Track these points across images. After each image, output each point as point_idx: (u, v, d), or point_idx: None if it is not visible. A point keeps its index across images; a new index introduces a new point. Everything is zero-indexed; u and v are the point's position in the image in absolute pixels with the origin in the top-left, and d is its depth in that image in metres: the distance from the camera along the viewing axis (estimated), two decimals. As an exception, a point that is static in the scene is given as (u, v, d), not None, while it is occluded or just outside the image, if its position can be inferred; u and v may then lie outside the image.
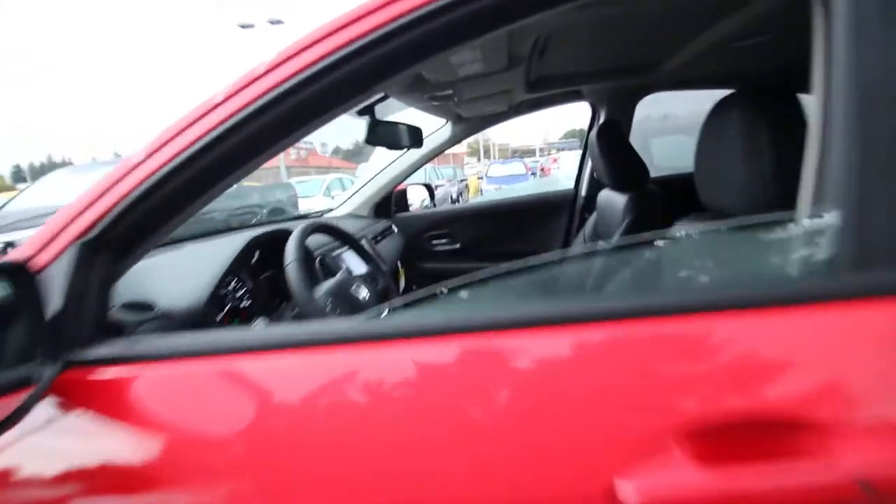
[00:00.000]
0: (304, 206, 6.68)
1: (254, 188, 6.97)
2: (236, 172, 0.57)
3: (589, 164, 1.97)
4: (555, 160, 14.62)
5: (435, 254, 2.14)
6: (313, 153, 28.73)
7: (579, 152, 2.25)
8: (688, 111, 2.25)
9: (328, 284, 0.95)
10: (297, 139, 0.61)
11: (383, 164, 2.03)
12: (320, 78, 0.51)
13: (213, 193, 0.57)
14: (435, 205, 2.42)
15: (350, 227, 1.72)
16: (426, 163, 2.02)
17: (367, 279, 1.09)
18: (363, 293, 1.00)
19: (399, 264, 1.93)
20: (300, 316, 0.95)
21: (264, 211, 6.68)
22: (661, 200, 1.32)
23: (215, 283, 0.88)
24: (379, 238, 1.84)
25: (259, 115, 0.52)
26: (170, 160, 0.54)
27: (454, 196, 10.57)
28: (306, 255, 1.15)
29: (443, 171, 11.25)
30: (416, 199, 2.38)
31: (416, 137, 1.34)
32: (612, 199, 1.40)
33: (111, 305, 0.65)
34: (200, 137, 0.54)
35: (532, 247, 2.09)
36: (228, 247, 1.00)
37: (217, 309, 0.93)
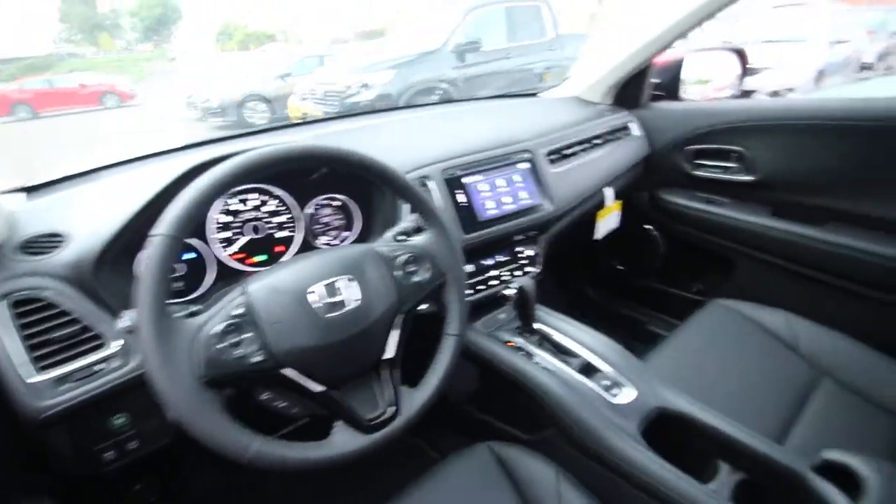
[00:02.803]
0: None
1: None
2: None
3: None
4: None
5: (700, 181, 1.25)
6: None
7: None
8: None
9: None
10: None
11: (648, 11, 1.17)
12: None
13: None
14: (743, 93, 1.35)
15: (548, 120, 1.11)
16: (721, 11, 1.03)
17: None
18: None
19: (612, 194, 1.21)
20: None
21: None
22: None
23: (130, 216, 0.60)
24: (592, 143, 1.14)
25: None
26: None
27: (869, 60, 6.70)
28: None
29: (865, 17, 7.10)
30: (702, 76, 1.37)
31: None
32: None
33: None
34: None
35: None
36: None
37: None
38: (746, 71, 1.34)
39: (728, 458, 0.68)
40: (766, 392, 0.87)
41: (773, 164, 1.11)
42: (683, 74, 1.30)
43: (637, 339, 1.50)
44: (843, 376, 0.90)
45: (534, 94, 1.45)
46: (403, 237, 0.67)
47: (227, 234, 0.75)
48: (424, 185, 0.85)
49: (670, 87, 1.33)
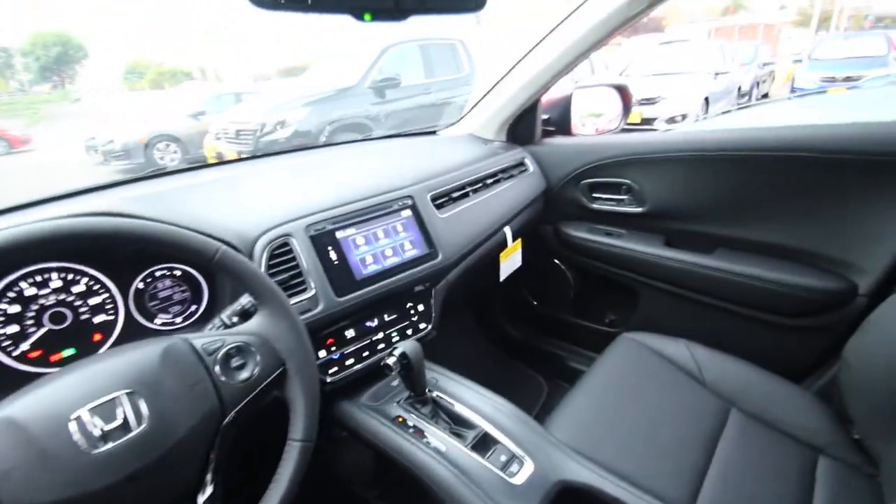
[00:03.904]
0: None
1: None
2: None
3: None
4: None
5: (598, 214, 1.25)
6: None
7: None
8: None
9: None
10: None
11: (526, 50, 1.17)
12: None
13: None
14: (627, 124, 1.40)
15: (438, 162, 1.06)
16: (597, 47, 1.05)
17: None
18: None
19: (510, 234, 1.17)
20: None
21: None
22: None
23: None
24: (484, 183, 1.10)
25: None
26: None
27: (746, 88, 7.61)
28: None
29: (741, 51, 8.12)
30: (594, 109, 1.41)
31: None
32: None
33: None
34: None
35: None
36: None
37: None
38: (628, 106, 1.39)
39: None
40: (677, 434, 0.84)
41: (659, 194, 1.13)
42: (573, 110, 1.32)
43: (559, 376, 1.45)
44: (748, 406, 0.89)
45: (433, 132, 1.41)
46: (238, 319, 0.55)
47: (15, 328, 0.59)
48: (287, 245, 0.74)
49: (560, 122, 1.34)
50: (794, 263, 1.00)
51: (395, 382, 0.83)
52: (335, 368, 0.77)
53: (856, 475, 0.78)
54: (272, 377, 0.51)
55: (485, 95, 1.31)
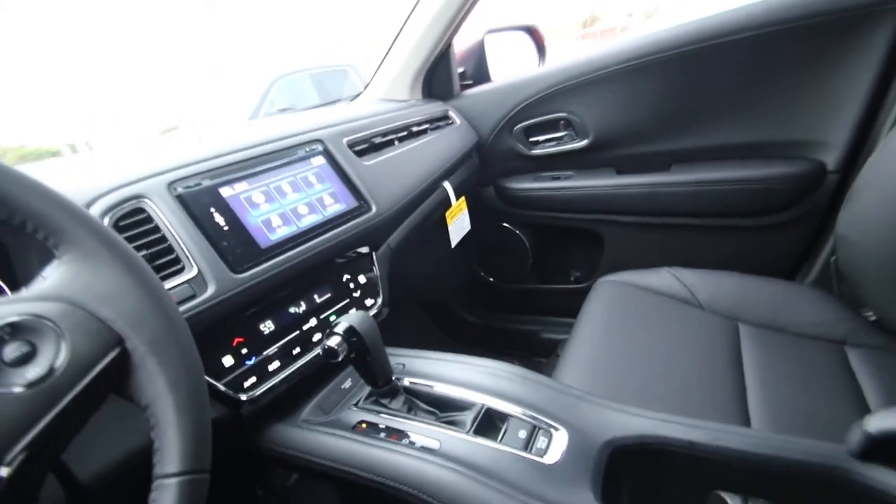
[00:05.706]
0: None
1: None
2: None
3: None
4: None
5: (540, 160, 1.12)
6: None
7: None
8: None
9: None
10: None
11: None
12: None
13: None
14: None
15: (364, 113, 0.86)
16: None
17: None
18: None
19: (449, 187, 1.00)
20: None
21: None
22: None
23: None
24: (409, 132, 0.92)
25: None
26: None
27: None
28: None
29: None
30: (509, 56, 1.30)
31: None
32: None
33: None
34: None
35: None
36: None
37: None
38: (542, 46, 1.30)
39: (731, 482, 0.45)
40: (698, 367, 0.70)
41: (600, 120, 1.03)
42: (487, 55, 1.20)
43: (535, 353, 1.29)
44: (753, 317, 0.79)
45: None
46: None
47: None
48: (142, 211, 0.49)
49: (477, 73, 1.21)
50: (754, 159, 0.93)
51: (347, 384, 0.60)
52: (252, 379, 0.52)
53: (887, 355, 0.70)
54: (100, 367, 0.27)
55: (385, 56, 1.14)
